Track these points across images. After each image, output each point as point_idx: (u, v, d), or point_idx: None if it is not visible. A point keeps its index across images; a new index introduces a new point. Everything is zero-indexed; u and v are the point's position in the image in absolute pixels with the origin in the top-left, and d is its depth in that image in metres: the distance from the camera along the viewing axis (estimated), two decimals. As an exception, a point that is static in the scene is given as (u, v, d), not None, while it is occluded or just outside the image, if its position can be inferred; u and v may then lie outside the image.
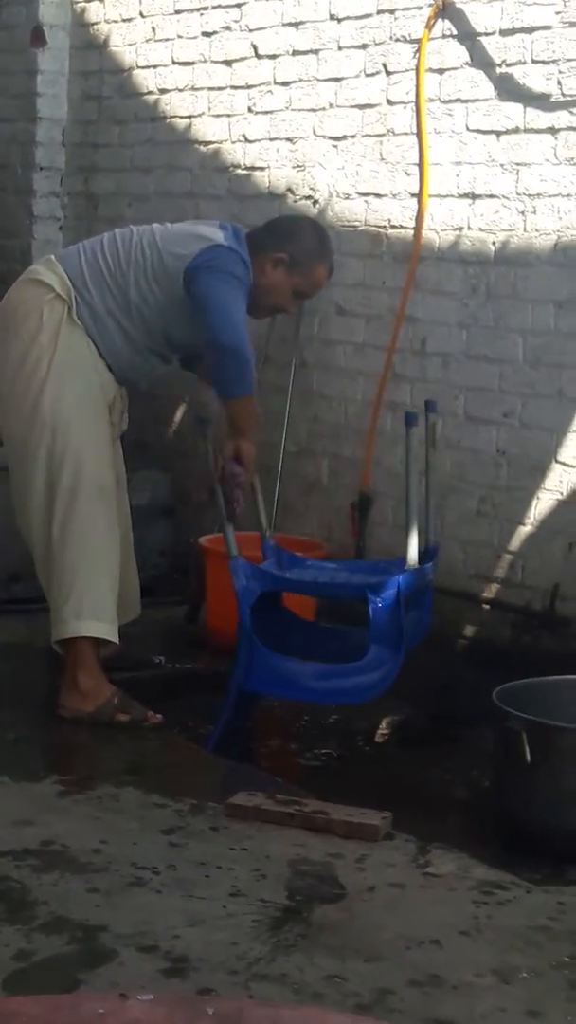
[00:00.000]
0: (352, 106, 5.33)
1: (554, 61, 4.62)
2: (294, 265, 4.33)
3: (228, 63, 5.90)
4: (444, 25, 4.96)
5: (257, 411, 4.29)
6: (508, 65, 4.76)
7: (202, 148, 6.04)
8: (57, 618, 4.19)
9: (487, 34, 4.82)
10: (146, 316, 4.27)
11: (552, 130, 4.64)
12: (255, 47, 5.76)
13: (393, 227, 5.20)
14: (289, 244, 4.34)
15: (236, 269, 4.18)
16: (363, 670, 4.13)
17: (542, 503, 4.74)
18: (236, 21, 5.84)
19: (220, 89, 5.94)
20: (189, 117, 6.11)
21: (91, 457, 4.20)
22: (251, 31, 5.76)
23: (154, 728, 4.16)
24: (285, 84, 5.62)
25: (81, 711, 4.17)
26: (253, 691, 4.14)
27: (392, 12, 5.15)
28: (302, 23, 5.52)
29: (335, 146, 5.41)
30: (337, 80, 5.39)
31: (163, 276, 4.24)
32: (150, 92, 6.32)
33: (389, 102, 5.19)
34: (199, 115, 6.05)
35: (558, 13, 4.59)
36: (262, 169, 5.75)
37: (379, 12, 5.20)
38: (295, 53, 5.57)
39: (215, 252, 4.18)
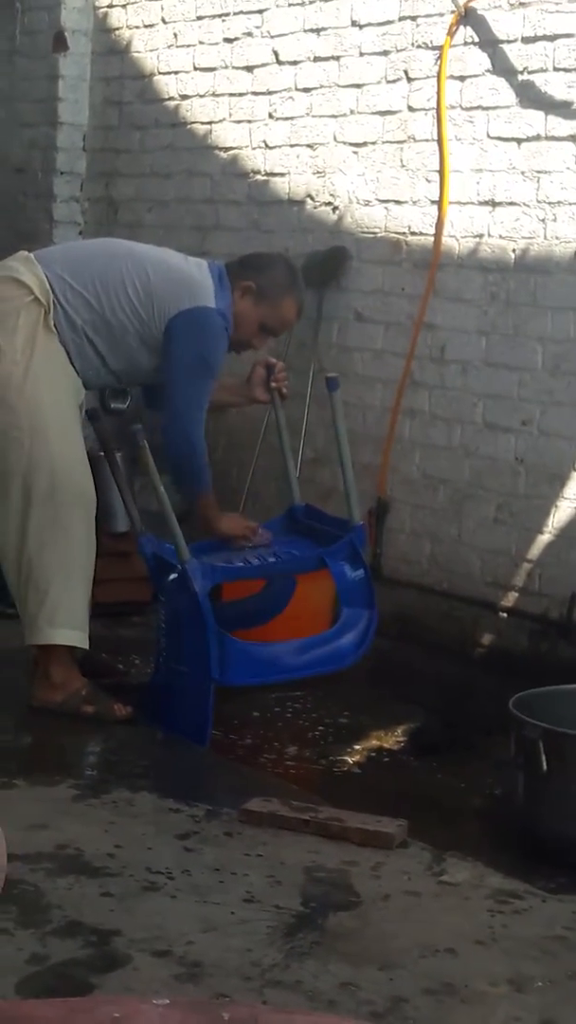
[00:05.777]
0: (373, 112, 5.33)
1: (576, 69, 4.61)
2: (261, 295, 4.32)
3: (249, 69, 5.90)
4: (466, 32, 4.96)
5: (214, 508, 4.38)
6: (530, 72, 4.76)
7: (222, 154, 6.04)
8: (31, 623, 4.23)
9: (509, 41, 4.81)
10: (119, 341, 4.29)
11: (573, 138, 4.63)
12: (276, 53, 5.76)
13: (413, 234, 5.20)
14: (258, 275, 4.34)
15: (212, 344, 4.21)
16: (340, 633, 4.15)
17: (560, 511, 4.73)
18: (258, 27, 5.84)
19: (241, 95, 5.94)
20: (210, 123, 6.11)
21: (69, 462, 4.21)
22: (272, 37, 5.76)
23: (121, 721, 4.18)
24: (306, 90, 5.62)
25: (51, 701, 4.23)
26: (233, 685, 4.12)
27: (414, 19, 5.15)
28: (324, 29, 5.52)
29: (355, 152, 5.41)
30: (358, 86, 5.39)
31: (148, 320, 4.25)
32: (171, 98, 6.33)
33: (410, 109, 5.18)
34: (220, 121, 6.06)
35: (580, 21, 4.60)
36: (282, 175, 5.75)
37: (401, 19, 5.20)
38: (316, 59, 5.57)
39: (197, 317, 4.20)
